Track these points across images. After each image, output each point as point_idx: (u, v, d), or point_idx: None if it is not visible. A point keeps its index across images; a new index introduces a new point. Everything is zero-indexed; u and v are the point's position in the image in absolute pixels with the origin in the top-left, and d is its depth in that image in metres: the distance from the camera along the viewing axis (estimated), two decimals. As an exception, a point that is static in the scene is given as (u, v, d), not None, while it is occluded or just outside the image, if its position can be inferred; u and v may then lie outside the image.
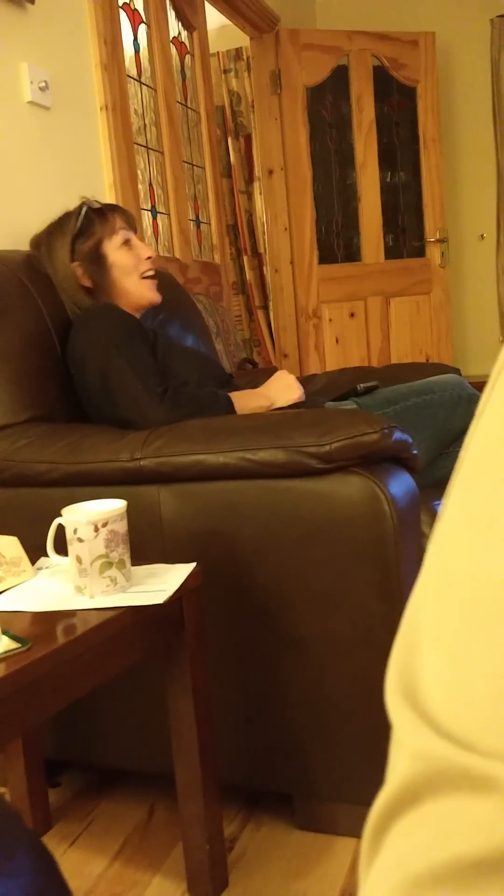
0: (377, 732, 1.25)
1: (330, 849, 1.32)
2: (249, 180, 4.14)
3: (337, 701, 1.27)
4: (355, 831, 1.33)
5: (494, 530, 0.25)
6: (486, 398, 0.28)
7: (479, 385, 1.80)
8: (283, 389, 1.70)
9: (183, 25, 3.11)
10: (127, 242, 1.72)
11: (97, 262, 1.70)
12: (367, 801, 1.16)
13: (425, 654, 0.25)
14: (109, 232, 1.71)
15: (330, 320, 3.66)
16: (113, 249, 1.71)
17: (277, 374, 1.75)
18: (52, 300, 1.67)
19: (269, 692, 1.32)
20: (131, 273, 1.72)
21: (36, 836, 0.48)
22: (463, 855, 0.21)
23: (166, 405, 1.47)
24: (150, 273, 1.74)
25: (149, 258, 1.74)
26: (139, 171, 2.67)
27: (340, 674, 1.26)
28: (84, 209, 1.71)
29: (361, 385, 1.79)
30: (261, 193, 3.84)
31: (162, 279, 1.83)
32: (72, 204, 1.77)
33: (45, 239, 1.72)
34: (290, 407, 1.66)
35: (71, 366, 1.60)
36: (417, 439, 1.57)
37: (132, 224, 1.76)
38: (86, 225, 1.71)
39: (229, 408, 1.56)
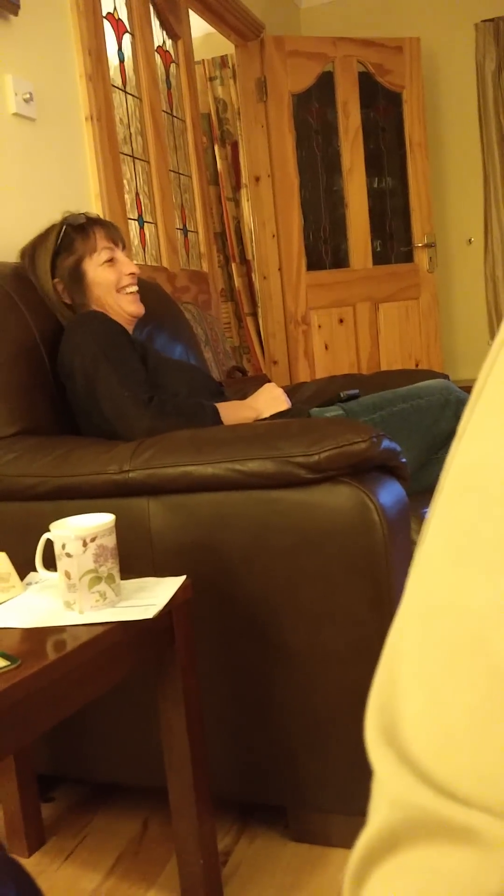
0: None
1: (324, 860, 1.31)
2: (236, 187, 4.15)
3: (329, 712, 1.27)
4: (349, 842, 1.32)
5: (475, 559, 0.24)
6: (465, 421, 0.28)
7: (469, 389, 1.80)
8: (270, 401, 1.70)
9: (167, 34, 3.12)
10: (110, 260, 1.70)
11: (77, 280, 1.69)
12: (361, 812, 1.16)
13: (405, 690, 0.25)
14: (90, 250, 1.69)
15: (319, 327, 3.66)
16: (93, 267, 1.69)
17: (265, 386, 1.75)
18: (41, 312, 1.67)
19: (260, 704, 1.32)
20: (111, 290, 1.70)
21: (19, 867, 0.47)
22: None
23: (151, 414, 1.46)
24: (132, 288, 1.72)
25: (131, 274, 1.71)
26: (125, 181, 2.67)
27: (332, 684, 1.26)
28: (64, 227, 1.69)
29: (343, 393, 1.79)
30: (248, 200, 3.85)
31: (149, 290, 1.83)
32: (58, 216, 1.77)
33: (31, 252, 1.72)
34: (276, 415, 1.66)
35: (61, 374, 1.60)
36: (405, 445, 1.57)
37: (116, 239, 1.74)
38: (66, 242, 1.69)
39: (215, 418, 1.56)
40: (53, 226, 1.72)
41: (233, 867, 1.33)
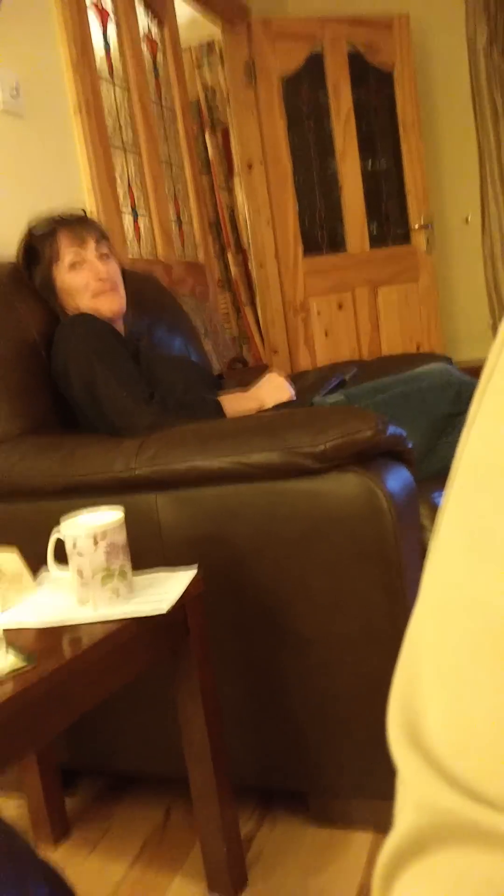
0: (386, 727, 1.26)
1: (346, 843, 1.33)
2: (229, 175, 4.13)
3: (345, 697, 1.28)
4: (370, 825, 1.34)
5: (491, 552, 0.23)
6: (475, 408, 0.27)
7: (471, 371, 1.80)
8: (272, 391, 1.69)
9: (152, 21, 3.09)
10: (76, 265, 1.64)
11: (49, 289, 1.67)
12: (380, 795, 1.17)
13: (426, 688, 0.24)
14: (56, 257, 1.65)
15: (318, 313, 3.65)
16: (61, 275, 1.65)
17: (267, 375, 1.75)
18: (38, 311, 1.67)
19: (277, 692, 1.33)
20: (82, 295, 1.65)
21: (50, 867, 0.48)
22: None
23: (153, 410, 1.47)
24: (103, 290, 1.66)
25: (100, 280, 1.65)
26: (117, 174, 2.66)
27: (347, 670, 1.27)
28: (27, 239, 1.67)
29: (346, 375, 1.79)
30: (241, 188, 3.83)
31: (146, 282, 1.83)
32: (50, 210, 1.75)
33: (19, 256, 1.72)
34: (279, 406, 1.66)
35: (55, 379, 1.60)
36: (407, 427, 1.57)
37: (85, 238, 1.66)
38: (32, 254, 1.66)
39: (218, 411, 1.56)
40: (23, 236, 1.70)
41: (256, 852, 1.35)
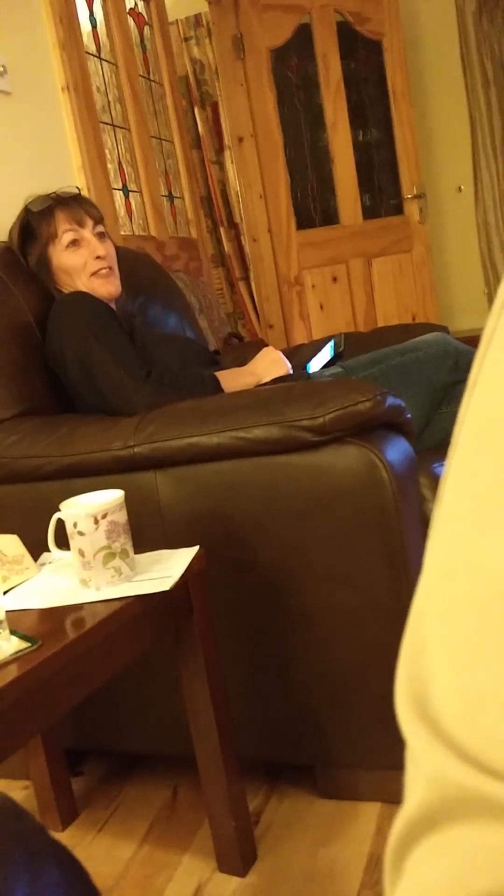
0: (391, 697, 1.25)
1: (354, 814, 1.33)
2: (220, 150, 4.08)
3: (349, 669, 1.28)
4: (377, 795, 1.35)
5: (494, 518, 0.23)
6: (475, 374, 0.27)
7: (467, 340, 1.79)
8: (269, 365, 1.68)
9: (139, -4, 3.05)
10: (75, 242, 1.63)
11: (45, 267, 1.65)
12: (387, 766, 1.17)
13: (433, 658, 0.24)
14: (52, 235, 1.63)
15: (313, 286, 3.63)
16: (57, 253, 1.63)
17: (264, 350, 1.73)
18: (32, 292, 1.65)
19: (281, 666, 1.33)
20: (79, 274, 1.64)
21: (63, 848, 0.48)
22: (487, 892, 0.20)
23: (150, 388, 1.46)
24: (102, 271, 1.65)
25: (98, 257, 1.63)
26: (107, 151, 2.63)
27: (351, 642, 1.27)
28: (23, 215, 1.65)
29: (339, 343, 1.78)
30: (232, 162, 3.79)
31: (138, 260, 1.81)
32: (39, 190, 1.73)
33: (13, 235, 1.70)
34: (276, 380, 1.65)
35: (50, 360, 1.58)
36: (406, 397, 1.56)
37: (82, 219, 1.64)
38: (28, 231, 1.64)
39: (216, 387, 1.55)
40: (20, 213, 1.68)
41: (264, 827, 1.35)
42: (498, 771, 0.21)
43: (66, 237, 1.63)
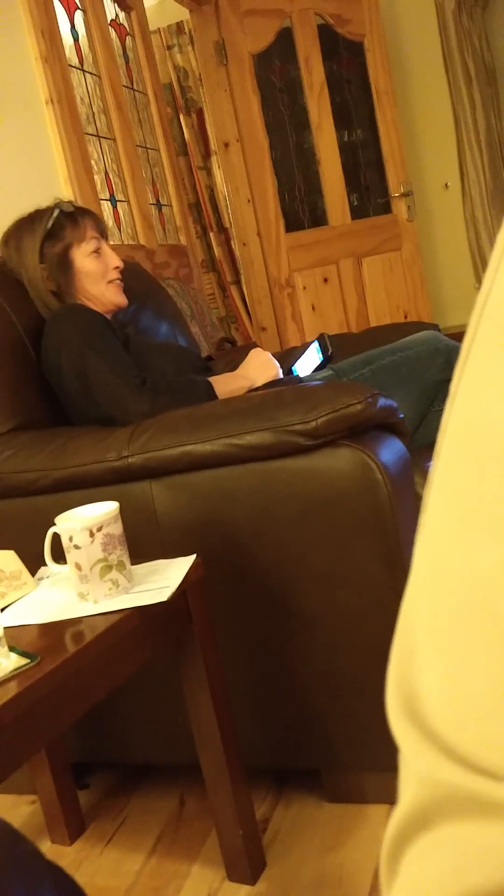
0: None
1: (362, 818, 1.33)
2: (206, 155, 4.09)
3: (351, 672, 1.28)
4: (385, 798, 1.34)
5: (479, 521, 0.23)
6: (457, 380, 0.27)
7: (459, 337, 1.79)
8: (260, 367, 1.69)
9: (119, 6, 3.05)
10: (97, 250, 1.70)
11: (64, 267, 1.67)
12: (393, 767, 1.16)
13: (422, 662, 0.24)
14: (79, 238, 1.68)
15: (304, 288, 3.63)
16: (81, 256, 1.68)
17: (252, 352, 1.74)
18: (22, 305, 1.65)
19: (284, 672, 1.33)
20: (98, 280, 1.70)
21: (60, 871, 0.47)
22: (479, 888, 0.20)
23: (147, 396, 1.46)
24: (117, 280, 1.73)
25: (116, 268, 1.72)
26: (93, 162, 2.64)
27: (352, 645, 1.27)
28: (56, 212, 1.68)
29: (327, 341, 1.79)
30: (219, 167, 3.80)
31: (129, 269, 1.81)
32: (26, 204, 1.74)
33: (15, 234, 1.69)
34: (268, 384, 1.65)
35: (46, 371, 1.58)
36: (399, 395, 1.56)
37: (104, 232, 1.74)
38: (56, 228, 1.67)
39: (210, 392, 1.55)
40: (40, 210, 1.70)
41: (272, 833, 1.35)
42: (488, 770, 0.21)
43: (92, 244, 1.69)
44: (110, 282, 1.71)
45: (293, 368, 1.85)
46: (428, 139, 4.20)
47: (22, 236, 1.67)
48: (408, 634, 0.25)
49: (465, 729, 0.22)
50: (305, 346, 2.00)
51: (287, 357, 2.07)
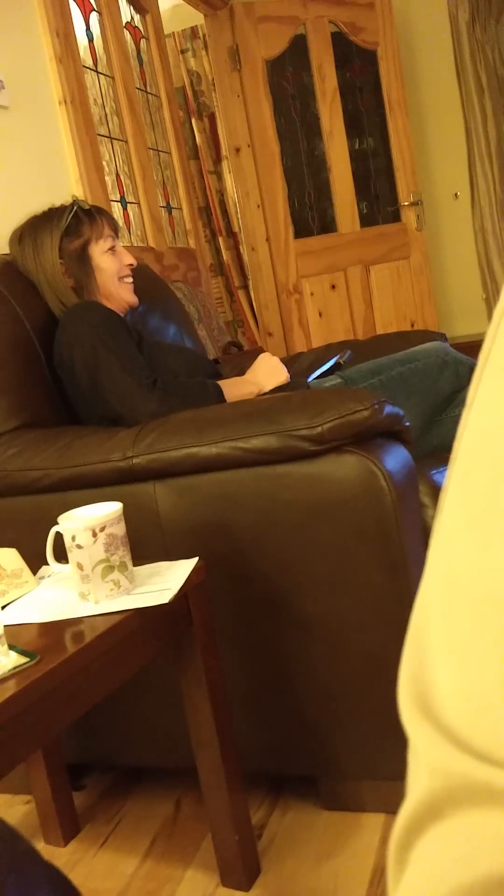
0: (395, 707, 1.25)
1: (358, 826, 1.32)
2: (217, 160, 4.10)
3: (352, 679, 1.27)
4: (382, 807, 1.34)
5: (493, 524, 0.24)
6: (474, 389, 0.28)
7: (466, 347, 1.79)
8: (268, 373, 1.69)
9: (135, 9, 3.06)
10: (112, 248, 1.73)
11: (82, 262, 1.69)
12: (391, 776, 1.16)
13: (436, 658, 0.25)
14: (97, 235, 1.71)
15: (311, 294, 3.63)
16: (99, 253, 1.71)
17: (260, 357, 1.74)
18: (31, 304, 1.65)
19: (283, 678, 1.32)
20: (113, 277, 1.72)
21: (56, 871, 0.47)
22: (491, 873, 0.21)
23: (157, 396, 1.46)
24: (129, 279, 1.75)
25: (130, 265, 1.74)
26: (105, 163, 2.64)
27: (353, 652, 1.26)
28: (74, 208, 1.70)
29: (342, 359, 1.79)
30: (230, 172, 3.80)
31: (137, 271, 1.81)
32: (37, 203, 1.74)
33: (30, 232, 1.69)
34: (276, 389, 1.65)
35: (57, 366, 1.59)
36: (406, 407, 1.56)
37: (117, 231, 1.77)
38: (74, 224, 1.69)
39: (219, 396, 1.55)
40: (55, 208, 1.72)
41: (268, 840, 1.34)
42: (500, 761, 0.22)
43: (108, 241, 1.72)
44: (123, 280, 1.73)
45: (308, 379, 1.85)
46: (439, 149, 4.21)
47: (38, 233, 1.68)
48: (421, 631, 0.26)
49: (478, 723, 0.23)
50: (322, 359, 2.00)
51: (294, 362, 2.07)
